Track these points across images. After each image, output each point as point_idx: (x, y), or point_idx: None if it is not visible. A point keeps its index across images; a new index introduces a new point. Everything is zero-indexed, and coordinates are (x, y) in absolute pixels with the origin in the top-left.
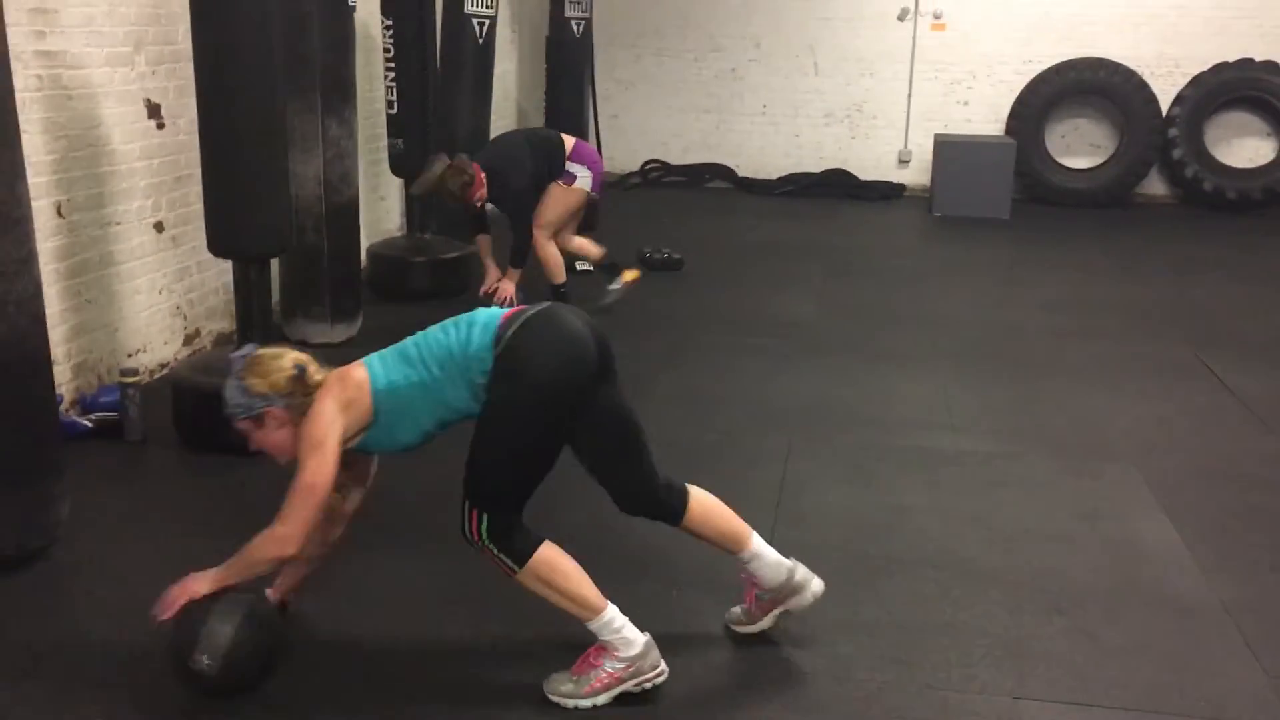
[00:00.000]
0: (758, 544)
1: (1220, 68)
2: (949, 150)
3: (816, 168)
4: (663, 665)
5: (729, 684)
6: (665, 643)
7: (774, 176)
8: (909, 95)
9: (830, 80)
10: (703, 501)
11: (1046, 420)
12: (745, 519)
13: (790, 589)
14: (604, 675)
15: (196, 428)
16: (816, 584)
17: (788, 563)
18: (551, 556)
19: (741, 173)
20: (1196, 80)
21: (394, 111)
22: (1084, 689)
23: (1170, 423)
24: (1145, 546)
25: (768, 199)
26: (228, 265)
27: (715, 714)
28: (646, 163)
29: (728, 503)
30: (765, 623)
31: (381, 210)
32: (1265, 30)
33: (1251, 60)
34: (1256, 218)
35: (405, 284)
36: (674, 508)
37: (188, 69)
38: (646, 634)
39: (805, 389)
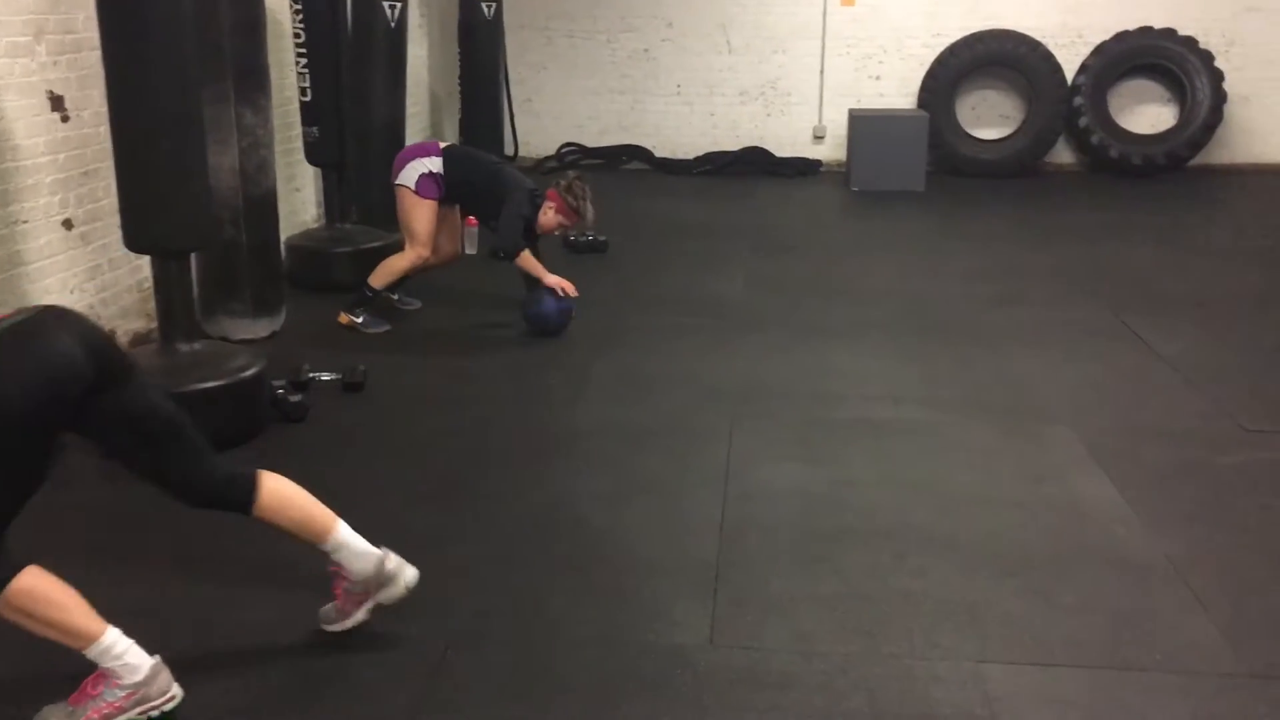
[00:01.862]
0: (343, 533)
1: (1122, 36)
2: (863, 125)
3: (733, 146)
4: (174, 689)
5: (695, 661)
6: (620, 611)
7: (691, 156)
8: (821, 71)
9: (743, 58)
10: (277, 491)
11: (981, 387)
12: (693, 499)
13: (380, 580)
14: (103, 706)
15: None
16: (410, 573)
17: (377, 552)
18: (32, 585)
19: (659, 153)
20: (1099, 49)
21: (307, 99)
22: (1043, 649)
23: (1100, 384)
24: (1089, 506)
25: (686, 179)
26: (142, 262)
27: (682, 689)
28: (563, 146)
29: (675, 482)
30: (358, 617)
31: (297, 201)
32: None
33: (1151, 28)
34: (1161, 182)
35: (328, 275)
36: (238, 499)
37: (91, 58)
38: (155, 657)
39: (742, 366)
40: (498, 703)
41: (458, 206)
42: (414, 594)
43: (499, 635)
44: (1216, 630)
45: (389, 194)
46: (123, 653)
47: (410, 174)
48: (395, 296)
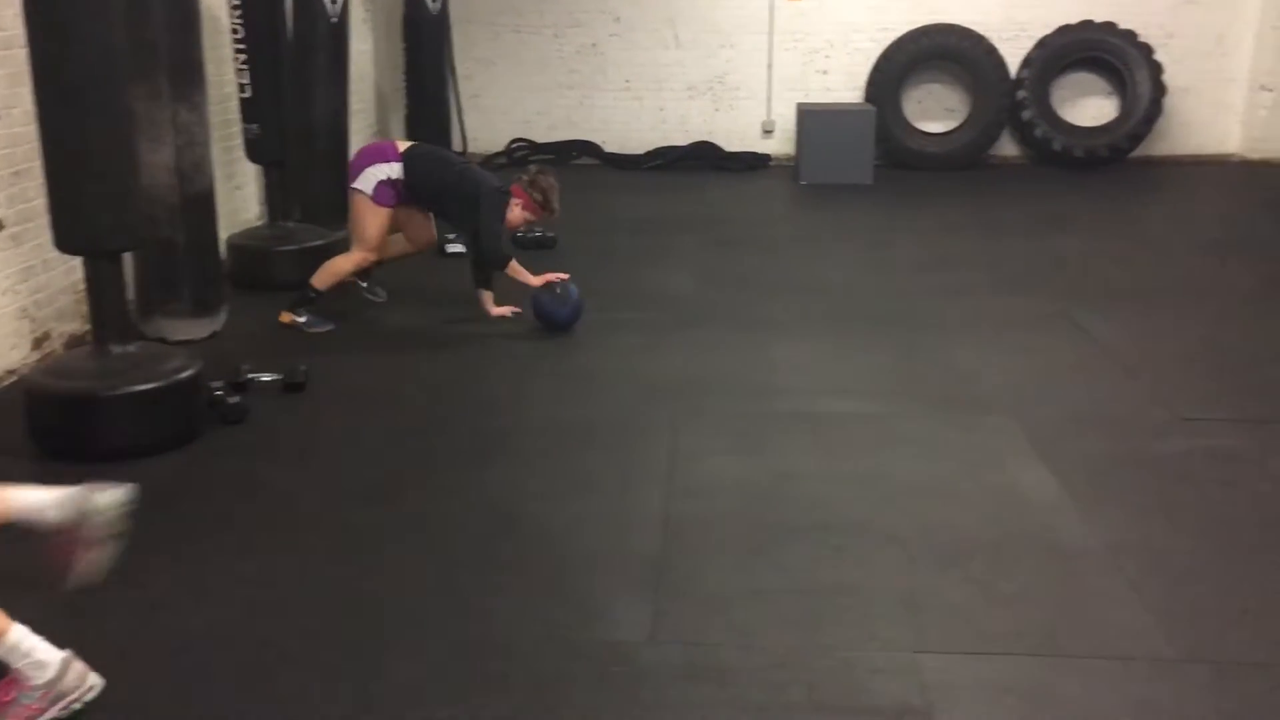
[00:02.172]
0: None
1: (1063, 30)
2: (811, 119)
3: (683, 141)
4: (91, 679)
5: (635, 657)
6: (560, 608)
7: (641, 151)
8: (769, 66)
9: (691, 53)
10: None
11: (924, 378)
12: (635, 495)
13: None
14: (21, 711)
15: (55, 435)
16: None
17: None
18: None
19: (608, 148)
20: (1042, 43)
21: (247, 96)
22: (980, 638)
23: (1041, 373)
24: (1027, 495)
25: (636, 174)
26: (77, 263)
27: (620, 686)
28: (512, 142)
29: (617, 478)
30: None
31: (239, 200)
32: None
33: (1092, 22)
34: (1103, 174)
35: (270, 274)
36: None
37: (21, 55)
38: (66, 651)
39: (687, 361)
40: (433, 703)
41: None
42: (350, 594)
43: (436, 635)
44: (1151, 616)
45: (333, 191)
46: (30, 649)
47: (368, 180)
48: (364, 285)
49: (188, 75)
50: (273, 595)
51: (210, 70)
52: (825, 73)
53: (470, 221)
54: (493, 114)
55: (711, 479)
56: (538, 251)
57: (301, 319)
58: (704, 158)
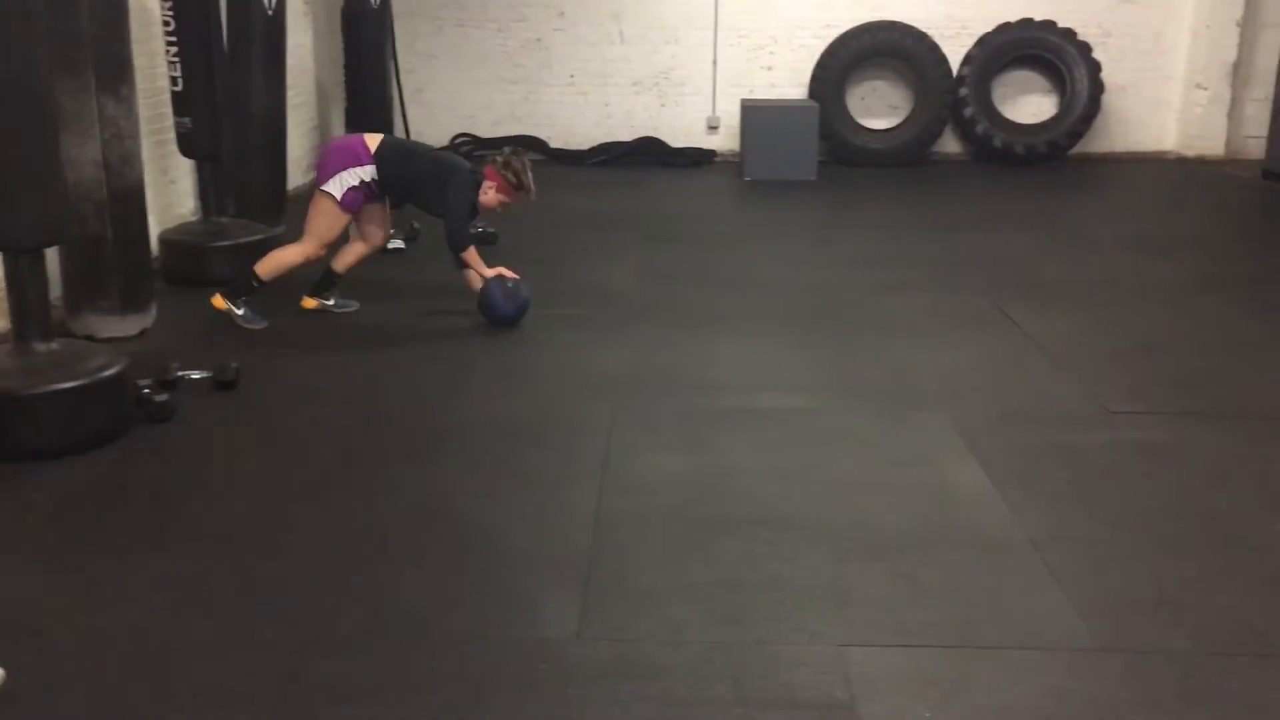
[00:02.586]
0: None
1: (1003, 28)
2: (755, 115)
3: (628, 136)
4: None
5: (562, 654)
6: (490, 606)
7: (586, 146)
8: (714, 61)
9: (636, 48)
10: None
11: (860, 373)
12: (571, 491)
13: None
14: None
15: None
16: None
17: None
18: None
19: (553, 144)
20: (982, 41)
21: (178, 89)
22: (904, 631)
23: (975, 369)
24: (956, 488)
25: (581, 169)
26: None
27: (547, 683)
28: (456, 137)
29: (552, 475)
30: None
31: (173, 194)
32: None
33: (1032, 20)
34: (1043, 171)
35: (204, 271)
36: None
37: None
38: None
39: (627, 357)
40: (354, 704)
41: (387, 200)
42: (272, 593)
43: (360, 634)
44: (1071, 607)
45: (270, 186)
46: None
47: (338, 185)
48: (331, 302)
49: (115, 68)
50: (190, 594)
51: (142, 63)
52: (770, 69)
53: (440, 206)
54: (436, 108)
55: (647, 475)
56: (480, 247)
57: (239, 311)
58: (649, 153)
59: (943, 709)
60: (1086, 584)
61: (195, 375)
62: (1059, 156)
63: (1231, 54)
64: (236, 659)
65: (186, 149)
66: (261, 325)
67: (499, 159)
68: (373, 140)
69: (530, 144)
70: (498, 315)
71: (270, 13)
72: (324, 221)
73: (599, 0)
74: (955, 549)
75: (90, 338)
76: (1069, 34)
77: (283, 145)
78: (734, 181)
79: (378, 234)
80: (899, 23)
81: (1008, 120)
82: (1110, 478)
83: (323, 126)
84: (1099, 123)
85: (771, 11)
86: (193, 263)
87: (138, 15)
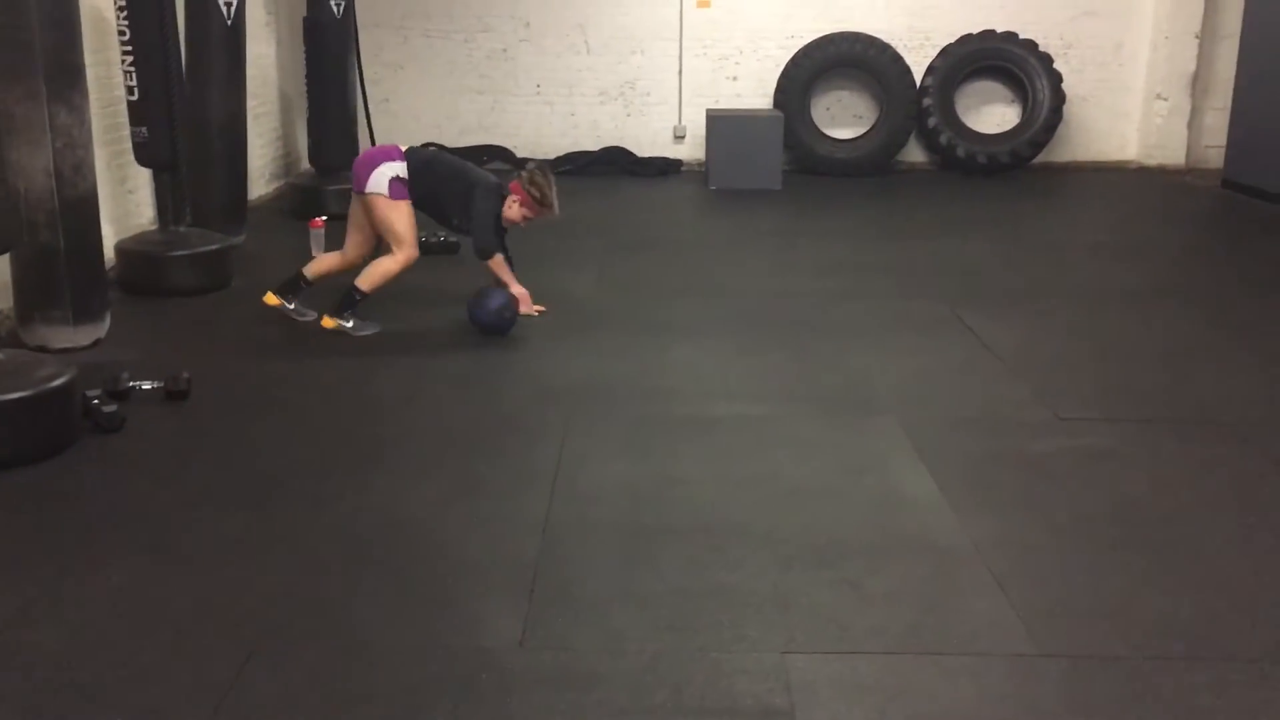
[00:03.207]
0: None
1: (966, 39)
2: (720, 125)
3: (594, 146)
4: None
5: (503, 663)
6: (433, 616)
7: (552, 156)
8: (680, 72)
9: (602, 59)
10: None
11: (815, 380)
12: (521, 500)
13: None
14: None
15: None
16: None
17: None
18: None
19: (520, 153)
20: (945, 51)
21: (135, 98)
22: (847, 637)
23: (929, 375)
24: (905, 495)
25: None
26: None
27: (487, 694)
28: (423, 146)
29: (502, 484)
30: None
31: (131, 204)
32: (1005, 3)
33: (994, 31)
34: (1005, 180)
35: (162, 280)
36: None
37: None
38: None
39: (584, 365)
40: (293, 716)
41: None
42: (215, 604)
43: (302, 645)
44: (1014, 613)
45: (229, 196)
46: None
47: (379, 180)
48: (291, 306)
49: (66, 77)
50: (131, 607)
51: (99, 72)
52: (735, 79)
53: (463, 218)
54: (403, 118)
55: (598, 484)
56: (441, 256)
57: (348, 324)
58: (615, 163)
59: (881, 714)
60: (1029, 589)
61: (147, 385)
62: (1022, 166)
63: (1190, 65)
64: (174, 672)
65: (143, 158)
66: (375, 330)
67: (524, 174)
68: (402, 146)
69: (496, 153)
70: (484, 313)
71: (229, 22)
72: (393, 221)
73: (565, 11)
74: (901, 555)
75: (42, 348)
76: (1031, 45)
77: (243, 155)
78: (700, 191)
79: (359, 250)
80: (862, 34)
81: (971, 130)
82: (1057, 483)
83: (286, 136)
84: (1061, 132)
85: (736, 22)
86: (150, 272)
87: (94, 25)
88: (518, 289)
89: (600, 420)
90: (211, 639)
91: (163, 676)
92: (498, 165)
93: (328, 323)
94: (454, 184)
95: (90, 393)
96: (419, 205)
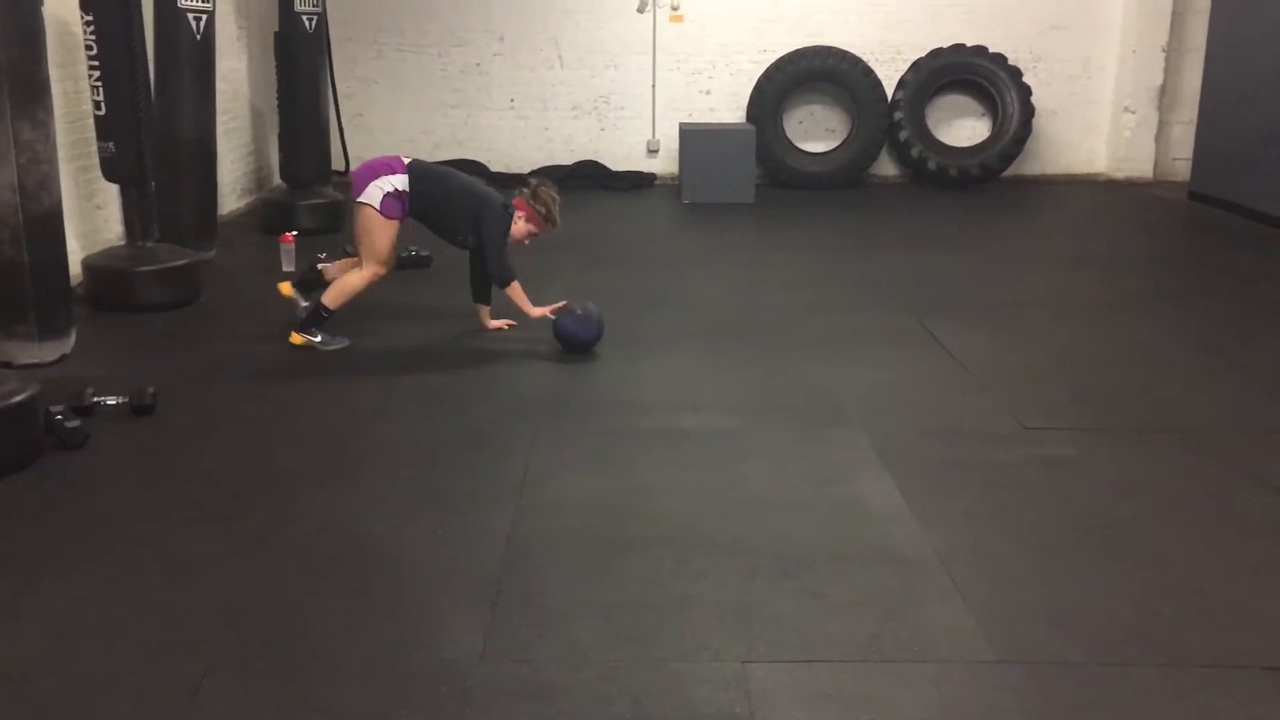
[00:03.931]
0: None
1: (936, 53)
2: (694, 139)
3: (568, 160)
4: None
5: (464, 676)
6: (395, 629)
7: (526, 170)
8: (653, 86)
9: (576, 73)
10: None
11: (785, 393)
12: (487, 512)
13: None
14: None
15: None
16: None
17: None
18: None
19: (494, 168)
20: (916, 65)
21: (102, 113)
22: (808, 646)
23: (895, 387)
24: (870, 505)
25: None
26: None
27: (447, 706)
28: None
29: (468, 496)
30: None
31: (99, 219)
32: (975, 17)
33: (964, 46)
34: (976, 193)
35: (130, 296)
36: None
37: None
38: None
39: (553, 379)
40: None
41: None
42: (176, 620)
43: (262, 661)
44: (973, 620)
45: (199, 211)
46: None
47: (374, 192)
48: (305, 303)
49: (31, 92)
50: (89, 624)
51: (66, 86)
52: (708, 93)
53: (469, 235)
54: (377, 133)
55: (564, 496)
56: (415, 271)
57: (316, 339)
58: (589, 177)
59: None
60: (989, 597)
61: (111, 401)
62: (992, 179)
63: (1158, 78)
64: (134, 686)
65: (110, 174)
66: (343, 345)
67: (527, 190)
68: (405, 158)
69: (470, 168)
70: (578, 343)
71: (199, 37)
72: (374, 236)
73: (538, 25)
74: (864, 565)
75: (7, 364)
76: (1000, 59)
77: (213, 170)
78: (673, 204)
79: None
80: (834, 48)
81: (942, 143)
82: (1020, 493)
83: (258, 151)
84: (1031, 145)
85: (709, 36)
86: (118, 288)
87: (61, 39)
88: (538, 311)
89: (568, 433)
90: (171, 652)
91: (122, 690)
92: None
93: (296, 339)
94: (461, 200)
95: (54, 408)
96: (422, 219)
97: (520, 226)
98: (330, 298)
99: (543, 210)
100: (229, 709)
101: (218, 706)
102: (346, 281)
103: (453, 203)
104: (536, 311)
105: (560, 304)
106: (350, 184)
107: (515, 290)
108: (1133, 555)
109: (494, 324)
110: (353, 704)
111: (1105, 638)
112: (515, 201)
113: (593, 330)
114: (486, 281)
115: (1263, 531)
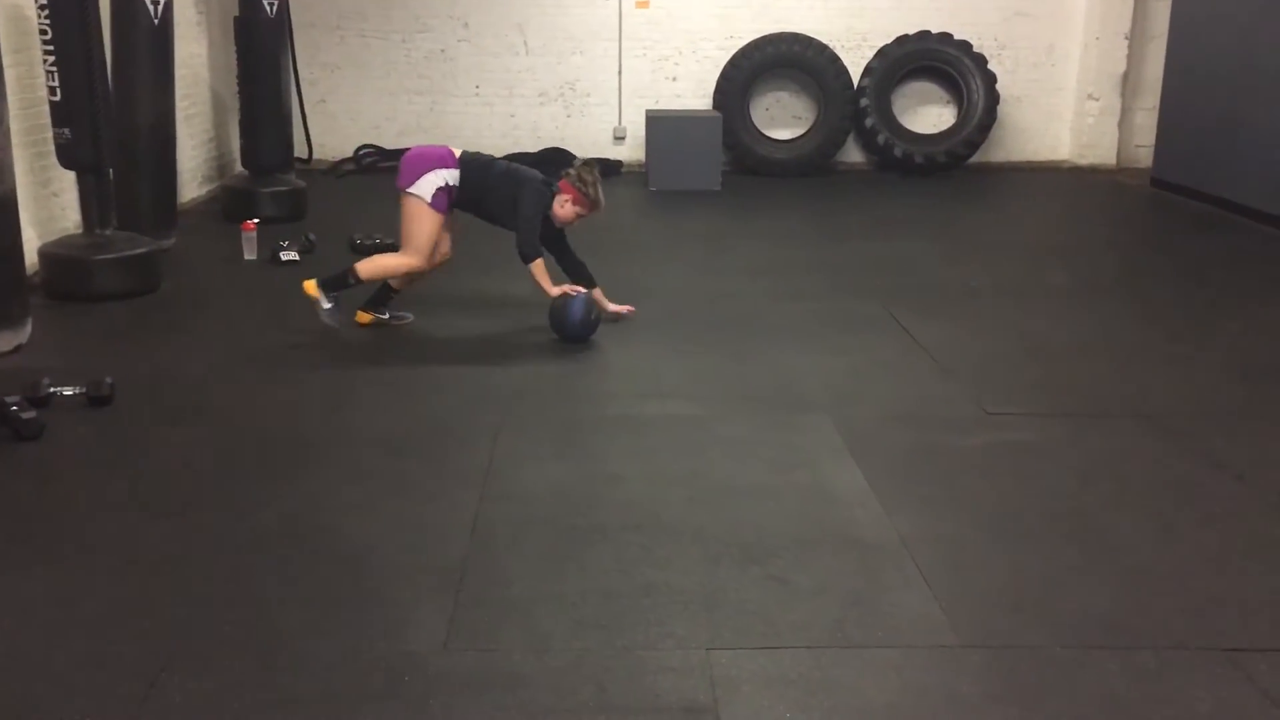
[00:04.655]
0: None
1: (902, 40)
2: (660, 126)
3: (534, 147)
4: None
5: (426, 665)
6: (357, 620)
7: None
8: (620, 72)
9: (542, 59)
10: None
11: (750, 380)
12: (448, 502)
13: None
14: None
15: None
16: None
17: None
18: None
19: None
20: (881, 52)
21: (57, 99)
22: (773, 633)
23: (861, 373)
24: (835, 491)
25: None
26: None
27: (409, 696)
28: (360, 148)
29: (431, 486)
30: None
31: (55, 207)
32: (940, 4)
33: (929, 33)
34: (941, 180)
35: (87, 285)
36: None
37: None
38: None
39: (518, 368)
40: None
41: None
42: (133, 613)
43: (221, 653)
44: (937, 605)
45: (157, 198)
46: None
47: (426, 186)
48: (386, 316)
49: None
50: (48, 615)
51: (20, 72)
52: (675, 80)
53: (512, 219)
54: (341, 119)
55: (528, 485)
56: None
57: (326, 304)
58: (556, 164)
59: (803, 708)
60: (952, 582)
61: (68, 391)
62: (958, 166)
63: (1121, 65)
64: (90, 682)
65: (66, 160)
66: (337, 325)
67: (572, 172)
68: (455, 150)
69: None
70: (573, 331)
71: (157, 21)
72: (419, 227)
73: (503, 11)
74: (829, 551)
75: None
76: (965, 46)
77: (172, 157)
78: (640, 192)
79: (443, 247)
80: (800, 34)
81: (908, 130)
82: (982, 478)
83: (219, 138)
84: (996, 133)
85: (675, 23)
86: (74, 277)
87: (15, 24)
88: (556, 290)
89: (533, 422)
90: (128, 647)
91: (78, 686)
92: None
93: (309, 287)
94: (504, 188)
95: (9, 399)
96: (465, 208)
97: (568, 209)
98: (365, 269)
99: (587, 191)
100: (186, 701)
101: (175, 699)
102: (385, 260)
103: (496, 190)
104: (556, 290)
105: (579, 288)
106: (398, 170)
107: (539, 267)
108: (1095, 539)
109: (614, 308)
110: (315, 695)
111: (1067, 621)
112: (561, 184)
113: (590, 329)
114: (576, 264)
115: (1224, 515)
